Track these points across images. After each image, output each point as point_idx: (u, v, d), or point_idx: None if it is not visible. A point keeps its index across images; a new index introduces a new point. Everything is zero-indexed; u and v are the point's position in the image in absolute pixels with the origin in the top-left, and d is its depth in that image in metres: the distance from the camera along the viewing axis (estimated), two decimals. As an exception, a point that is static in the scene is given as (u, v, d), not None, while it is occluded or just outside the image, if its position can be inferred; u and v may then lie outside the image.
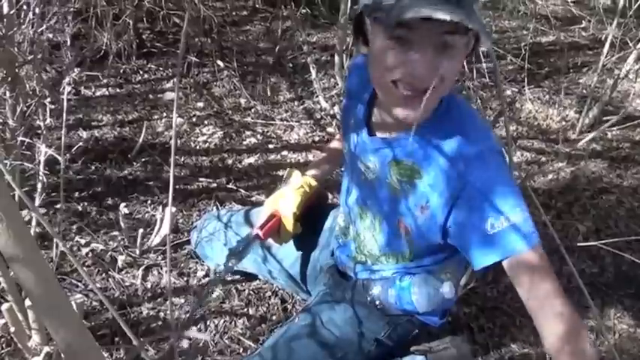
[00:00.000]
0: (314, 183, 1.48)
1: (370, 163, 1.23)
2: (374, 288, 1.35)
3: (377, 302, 1.34)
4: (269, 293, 1.70)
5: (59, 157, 1.56)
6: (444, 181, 1.08)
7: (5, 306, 1.31)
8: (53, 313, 0.63)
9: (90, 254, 1.74)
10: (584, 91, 2.64)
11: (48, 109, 1.63)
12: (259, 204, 1.94)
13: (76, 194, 1.92)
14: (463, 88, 2.56)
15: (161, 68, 2.56)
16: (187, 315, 1.62)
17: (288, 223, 1.42)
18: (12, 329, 1.36)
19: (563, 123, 2.44)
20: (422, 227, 1.16)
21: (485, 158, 1.06)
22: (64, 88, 1.95)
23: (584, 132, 2.39)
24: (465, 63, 2.41)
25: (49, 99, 1.60)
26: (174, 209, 1.69)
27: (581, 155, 2.27)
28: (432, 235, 1.16)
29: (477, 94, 2.53)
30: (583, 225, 1.97)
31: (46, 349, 1.40)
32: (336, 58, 2.39)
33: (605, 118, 2.31)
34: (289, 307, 1.67)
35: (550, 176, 2.18)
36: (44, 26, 1.87)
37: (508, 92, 2.63)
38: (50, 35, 2.29)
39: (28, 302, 1.33)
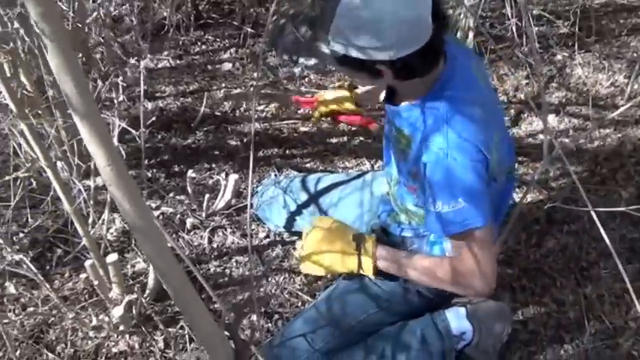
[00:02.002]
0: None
1: (389, 127, 1.41)
2: (413, 245, 1.50)
3: None
4: (324, 253, 1.84)
5: (132, 130, 1.72)
6: (426, 152, 1.23)
7: (88, 262, 1.48)
8: (159, 259, 0.80)
9: (160, 217, 1.92)
10: (635, 54, 2.63)
11: (120, 86, 1.78)
12: (314, 170, 2.07)
13: (145, 162, 2.09)
14: (513, 54, 2.58)
15: (218, 39, 2.68)
16: (250, 272, 1.78)
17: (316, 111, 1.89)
18: (95, 282, 1.55)
19: (612, 89, 2.46)
20: (419, 190, 1.32)
21: (461, 148, 1.19)
22: (132, 64, 2.11)
23: (632, 98, 2.41)
24: (513, 29, 2.44)
25: (120, 77, 1.75)
26: (236, 176, 1.84)
27: (628, 122, 2.30)
28: None
29: (526, 59, 2.55)
30: (626, 191, 2.02)
31: (127, 298, 1.57)
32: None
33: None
34: (342, 265, 1.81)
35: (596, 143, 2.22)
36: (112, 4, 2.01)
37: (558, 57, 2.64)
38: (111, 9, 2.43)
39: (109, 259, 1.51)
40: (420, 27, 1.12)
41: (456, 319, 1.48)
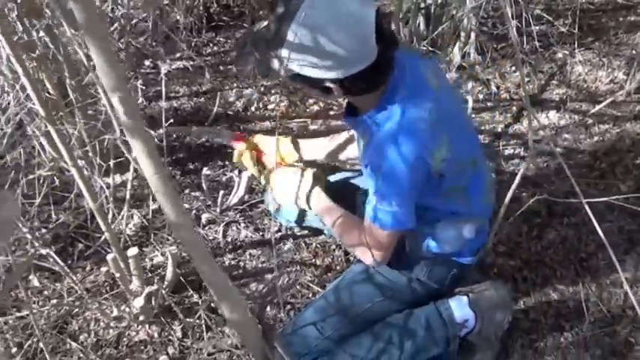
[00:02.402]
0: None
1: (357, 135, 1.51)
2: (409, 237, 1.57)
3: (407, 248, 1.56)
4: (333, 246, 1.93)
5: (150, 131, 1.80)
6: (372, 157, 1.34)
7: (110, 256, 1.55)
8: (194, 251, 0.90)
9: (177, 212, 2.00)
10: (634, 51, 2.69)
11: (139, 89, 1.87)
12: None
13: (161, 159, 2.18)
14: (514, 52, 2.65)
15: (229, 40, 2.77)
16: (263, 264, 1.87)
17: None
18: (117, 275, 1.63)
19: (612, 85, 2.53)
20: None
21: (400, 156, 1.28)
22: (147, 66, 2.19)
23: (631, 94, 2.47)
24: (514, 30, 2.49)
25: (140, 81, 1.84)
26: (249, 173, 1.92)
27: (627, 117, 2.37)
28: None
29: (527, 58, 2.62)
30: (625, 185, 2.09)
31: (147, 289, 1.66)
32: (393, 25, 2.52)
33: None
34: (351, 258, 1.89)
35: (596, 138, 2.30)
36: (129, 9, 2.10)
37: (559, 55, 2.71)
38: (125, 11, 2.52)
39: (129, 253, 1.59)
40: (365, 47, 1.20)
41: (459, 307, 1.56)
